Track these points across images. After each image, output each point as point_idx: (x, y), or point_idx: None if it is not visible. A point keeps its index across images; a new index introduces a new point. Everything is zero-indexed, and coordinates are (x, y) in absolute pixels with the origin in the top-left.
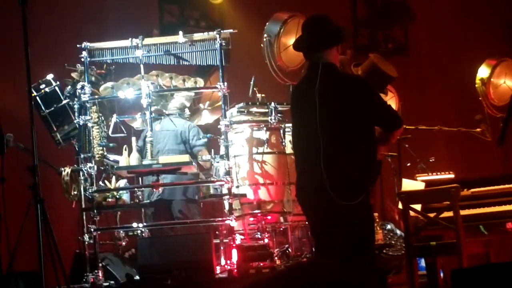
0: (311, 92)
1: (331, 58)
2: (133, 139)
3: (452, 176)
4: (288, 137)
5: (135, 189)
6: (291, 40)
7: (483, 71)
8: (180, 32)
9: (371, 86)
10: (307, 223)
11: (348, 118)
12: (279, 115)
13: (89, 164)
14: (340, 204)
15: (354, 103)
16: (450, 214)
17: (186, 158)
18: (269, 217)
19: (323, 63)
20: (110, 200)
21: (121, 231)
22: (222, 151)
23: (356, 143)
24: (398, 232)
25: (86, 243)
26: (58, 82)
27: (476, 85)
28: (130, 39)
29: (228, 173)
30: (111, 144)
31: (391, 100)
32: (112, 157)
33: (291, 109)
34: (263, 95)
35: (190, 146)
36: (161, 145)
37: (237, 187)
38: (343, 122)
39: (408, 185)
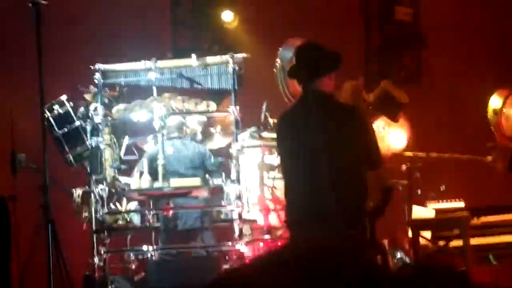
0: (306, 121)
1: (324, 86)
2: (145, 161)
3: (462, 204)
4: None
5: (146, 212)
6: None
7: (495, 101)
8: (193, 55)
9: (378, 114)
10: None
11: (344, 147)
12: None
13: (100, 186)
14: (341, 233)
15: (349, 131)
16: (459, 242)
17: (197, 181)
18: (279, 243)
19: (315, 92)
20: (120, 222)
21: (131, 254)
22: (233, 175)
23: (352, 173)
24: (408, 260)
25: (96, 265)
26: (71, 103)
27: (488, 115)
28: (143, 61)
29: (238, 197)
30: (122, 166)
31: (403, 128)
32: (123, 179)
33: (280, 138)
34: (275, 120)
35: (206, 167)
36: (176, 168)
37: (248, 212)
38: (339, 151)
39: (419, 212)
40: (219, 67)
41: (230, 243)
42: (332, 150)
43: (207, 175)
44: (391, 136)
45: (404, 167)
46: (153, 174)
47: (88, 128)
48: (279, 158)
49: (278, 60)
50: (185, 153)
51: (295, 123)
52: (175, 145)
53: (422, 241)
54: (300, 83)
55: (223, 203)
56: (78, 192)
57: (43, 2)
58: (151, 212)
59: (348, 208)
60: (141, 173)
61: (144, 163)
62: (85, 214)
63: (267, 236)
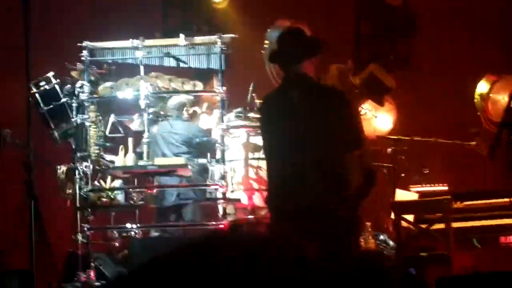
0: (288, 104)
1: (307, 69)
2: (130, 139)
3: (445, 188)
4: None
5: (129, 189)
6: None
7: (482, 86)
8: (181, 35)
9: (364, 97)
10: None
11: (325, 128)
12: None
13: (85, 163)
14: (330, 209)
15: (330, 113)
16: (442, 226)
17: (181, 160)
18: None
19: (298, 74)
20: (104, 200)
21: (115, 232)
22: (218, 155)
23: (333, 154)
24: (391, 243)
25: (79, 242)
26: (57, 80)
27: (475, 100)
28: (130, 39)
29: (223, 177)
30: (107, 144)
31: (389, 112)
32: (108, 157)
33: (263, 121)
34: (261, 100)
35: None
36: (163, 148)
37: (232, 191)
38: (325, 132)
39: (402, 196)
40: (207, 47)
41: (213, 222)
42: (314, 132)
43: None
44: (378, 119)
45: (389, 150)
46: (140, 153)
47: (74, 105)
48: (262, 141)
49: (266, 41)
50: (172, 134)
51: (278, 106)
52: (162, 126)
53: (404, 223)
54: (281, 68)
55: (207, 182)
56: (62, 168)
57: None
58: (135, 190)
59: (329, 189)
60: (126, 151)
61: (129, 141)
62: (69, 190)
63: (251, 216)
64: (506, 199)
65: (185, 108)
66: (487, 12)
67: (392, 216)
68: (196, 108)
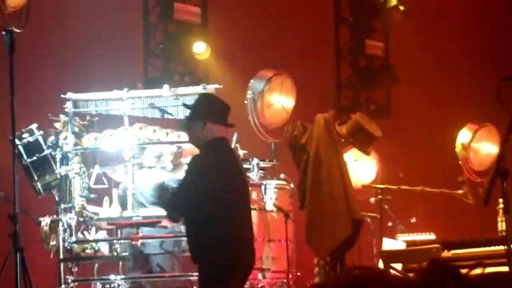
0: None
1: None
2: (114, 190)
3: (433, 237)
4: (270, 194)
5: (114, 241)
6: (274, 98)
7: (464, 136)
8: (165, 86)
9: (350, 146)
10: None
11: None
12: (261, 171)
13: (69, 215)
14: None
15: None
16: None
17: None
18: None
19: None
20: (88, 251)
21: (98, 283)
22: None
23: None
24: None
25: None
26: (41, 132)
27: (457, 149)
28: (114, 91)
29: None
30: (92, 195)
31: (372, 161)
32: (92, 208)
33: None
34: (245, 151)
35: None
36: (144, 198)
37: None
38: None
39: (389, 245)
40: (191, 98)
41: (196, 273)
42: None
43: None
44: (361, 168)
45: (373, 199)
46: (123, 204)
47: (58, 157)
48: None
49: (249, 91)
50: (148, 184)
51: (225, 165)
52: (140, 176)
53: (392, 272)
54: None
55: None
56: (46, 220)
57: (17, 30)
58: (119, 241)
59: None
60: (111, 203)
61: (113, 193)
62: (53, 242)
63: None
64: (494, 248)
65: (169, 162)
66: (466, 62)
67: (380, 265)
68: (182, 160)
